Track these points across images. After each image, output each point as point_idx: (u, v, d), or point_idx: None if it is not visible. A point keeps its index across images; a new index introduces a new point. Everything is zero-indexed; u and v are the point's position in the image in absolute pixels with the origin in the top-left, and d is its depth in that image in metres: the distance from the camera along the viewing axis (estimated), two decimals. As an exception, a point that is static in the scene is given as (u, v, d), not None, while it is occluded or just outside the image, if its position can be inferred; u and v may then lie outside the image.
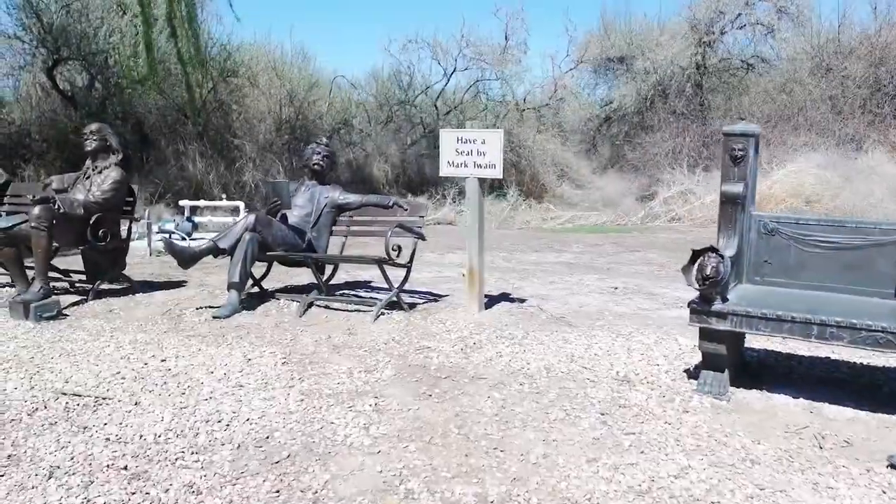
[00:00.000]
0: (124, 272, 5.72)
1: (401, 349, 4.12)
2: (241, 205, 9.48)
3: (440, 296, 5.57)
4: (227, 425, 3.05)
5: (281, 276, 6.01)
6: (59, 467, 2.65)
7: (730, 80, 20.06)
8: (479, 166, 4.75)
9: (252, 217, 5.00)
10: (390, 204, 5.26)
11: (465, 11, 34.41)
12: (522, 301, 5.36)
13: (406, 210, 5.20)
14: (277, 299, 5.32)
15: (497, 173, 4.72)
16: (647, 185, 16.90)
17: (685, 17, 19.73)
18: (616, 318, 4.86)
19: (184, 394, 3.41)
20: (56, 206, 5.02)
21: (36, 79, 23.96)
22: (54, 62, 20.75)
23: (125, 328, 4.67)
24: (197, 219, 9.40)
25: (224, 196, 10.62)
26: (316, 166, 5.45)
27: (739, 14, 20.11)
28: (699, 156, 17.30)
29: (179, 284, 6.18)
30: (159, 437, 2.92)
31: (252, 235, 4.95)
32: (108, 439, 2.90)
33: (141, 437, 2.92)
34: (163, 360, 3.91)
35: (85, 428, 3.01)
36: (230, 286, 4.94)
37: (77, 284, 5.79)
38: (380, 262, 4.73)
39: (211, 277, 6.40)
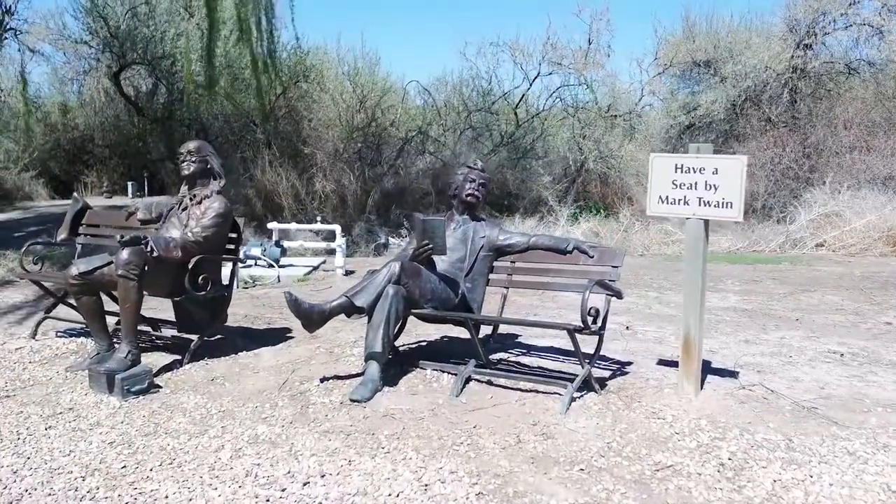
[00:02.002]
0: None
1: (631, 468, 2.92)
2: (338, 228, 8.40)
3: (622, 363, 4.35)
4: None
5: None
6: None
7: (831, 86, 18.42)
8: (708, 204, 3.53)
9: (397, 266, 3.84)
10: (569, 248, 4.05)
11: (550, 12, 32.86)
12: (735, 375, 4.11)
13: (592, 257, 3.99)
14: (423, 369, 4.16)
15: (736, 215, 3.49)
16: (748, 200, 15.46)
17: (782, 17, 18.18)
18: (889, 410, 3.58)
19: (357, 561, 2.26)
20: (149, 249, 3.95)
21: (100, 83, 23.56)
22: (120, 67, 20.19)
23: (237, 413, 3.56)
24: (286, 243, 8.35)
25: (319, 219, 9.56)
26: (470, 198, 4.27)
27: (843, 14, 18.46)
28: (800, 168, 15.79)
29: (285, 334, 5.09)
30: None
31: (397, 289, 3.80)
32: None
33: None
34: (305, 484, 2.78)
35: None
36: (369, 357, 3.79)
37: (167, 338, 4.75)
38: (573, 332, 3.52)
39: (323, 328, 5.29)
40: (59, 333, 5.15)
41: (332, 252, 8.55)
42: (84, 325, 5.05)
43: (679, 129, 19.44)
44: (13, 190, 21.52)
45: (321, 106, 17.80)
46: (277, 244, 8.01)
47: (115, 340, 4.32)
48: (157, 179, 22.17)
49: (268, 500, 2.65)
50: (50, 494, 2.72)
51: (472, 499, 2.66)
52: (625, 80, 19.75)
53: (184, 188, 4.54)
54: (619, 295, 3.85)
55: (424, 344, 4.83)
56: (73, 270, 4.15)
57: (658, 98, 18.87)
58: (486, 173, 4.41)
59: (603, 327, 3.77)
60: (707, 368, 4.17)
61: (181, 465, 2.97)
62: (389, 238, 11.45)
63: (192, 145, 4.48)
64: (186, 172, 4.42)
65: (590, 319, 3.55)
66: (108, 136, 23.95)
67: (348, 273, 7.89)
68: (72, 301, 5.04)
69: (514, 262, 4.25)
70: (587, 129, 16.74)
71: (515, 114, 17.32)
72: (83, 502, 2.66)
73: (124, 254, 3.86)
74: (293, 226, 9.30)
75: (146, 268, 3.91)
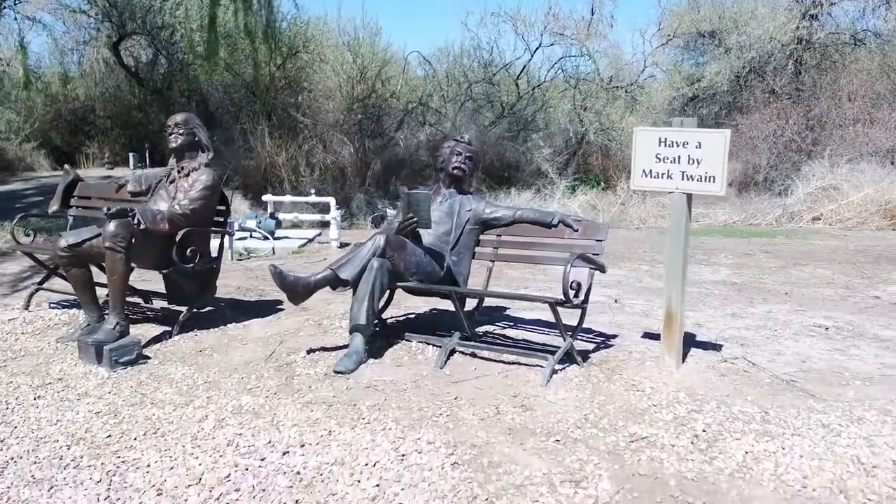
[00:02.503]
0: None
1: (606, 440, 2.96)
2: (333, 201, 8.40)
3: (607, 335, 4.39)
4: None
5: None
6: None
7: (836, 58, 18.22)
8: (691, 178, 3.53)
9: (382, 239, 3.87)
10: (554, 222, 4.06)
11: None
12: (718, 348, 4.14)
13: (576, 231, 4.00)
14: (408, 341, 4.20)
15: (717, 189, 3.49)
16: (742, 172, 15.35)
17: (788, -14, 17.93)
18: (867, 383, 3.61)
19: (330, 529, 2.32)
20: (136, 221, 3.97)
21: (100, 54, 23.43)
22: (119, 37, 20.06)
23: (223, 384, 3.61)
24: (281, 215, 8.36)
25: (313, 192, 9.56)
26: (456, 171, 4.28)
27: (850, -17, 18.20)
28: (802, 140, 15.70)
29: (276, 306, 5.14)
30: None
31: (381, 262, 3.83)
32: None
33: None
34: (285, 453, 2.83)
35: None
36: (354, 329, 3.83)
37: (157, 310, 4.80)
38: (554, 305, 3.55)
39: (314, 297, 5.33)
40: (51, 305, 5.20)
41: (326, 224, 8.57)
42: (76, 297, 5.11)
43: (682, 101, 19.27)
44: (14, 161, 21.51)
45: (321, 77, 17.69)
46: (272, 216, 8.03)
47: (105, 312, 4.36)
48: (157, 150, 22.12)
49: (247, 469, 2.70)
50: (35, 462, 2.78)
51: (448, 469, 2.71)
52: (627, 52, 19.57)
53: (171, 160, 4.55)
54: (602, 268, 3.86)
55: (412, 317, 4.87)
56: (62, 242, 4.19)
57: (661, 69, 18.70)
58: (474, 146, 4.40)
59: (586, 300, 3.80)
60: (691, 342, 4.21)
61: (164, 435, 3.02)
62: (387, 210, 11.43)
63: (179, 118, 4.47)
64: (174, 145, 4.43)
65: (572, 293, 3.57)
66: (108, 106, 23.83)
67: (343, 245, 7.92)
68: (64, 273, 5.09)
69: (500, 236, 4.27)
70: (588, 100, 16.63)
71: (517, 85, 17.19)
72: (67, 470, 2.71)
73: (111, 226, 3.89)
74: (288, 198, 9.31)
75: (133, 240, 3.94)
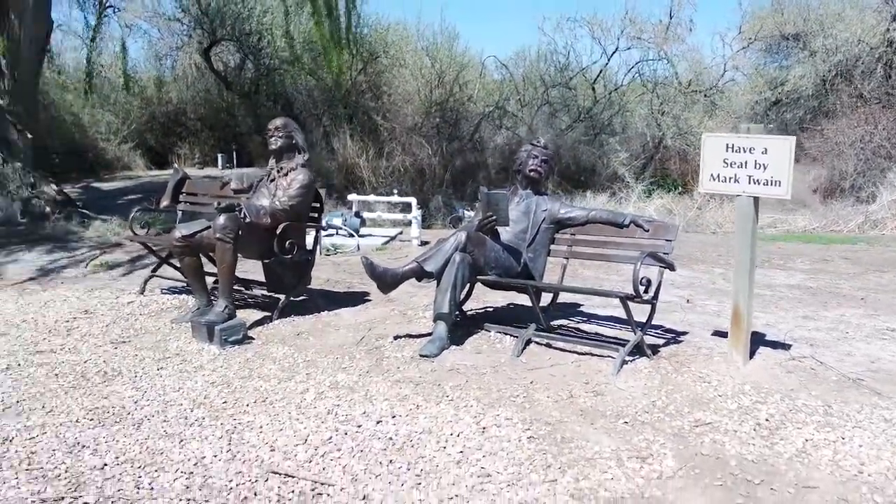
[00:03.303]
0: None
1: (672, 423, 3.19)
2: (414, 201, 8.80)
3: (678, 332, 4.59)
4: (493, 550, 2.24)
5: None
6: None
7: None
8: (757, 182, 3.72)
9: (463, 235, 4.19)
10: (626, 222, 4.30)
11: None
12: (787, 347, 4.28)
13: (647, 230, 4.23)
14: (487, 331, 4.51)
15: (783, 192, 3.67)
16: (827, 178, 15.01)
17: (878, -13, 17.40)
18: (933, 383, 3.71)
19: (419, 484, 2.64)
20: (242, 215, 4.41)
21: (192, 59, 24.63)
22: (210, 43, 21.09)
23: (320, 363, 4.00)
24: (365, 214, 8.80)
25: (396, 192, 9.99)
26: (533, 173, 4.57)
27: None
28: (893, 146, 15.24)
29: (363, 298, 5.53)
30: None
31: (463, 256, 4.15)
32: (345, 566, 2.15)
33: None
34: (378, 422, 3.18)
35: (311, 540, 2.29)
36: (437, 317, 4.16)
37: (258, 297, 5.25)
38: (625, 300, 3.80)
39: (397, 290, 5.70)
40: (162, 290, 5.73)
41: (408, 223, 8.97)
42: (185, 284, 5.63)
43: (765, 106, 18.94)
44: (113, 160, 22.81)
45: (400, 81, 18.19)
46: (357, 215, 8.47)
47: (212, 297, 4.83)
48: (245, 152, 23.13)
49: (346, 433, 3.06)
50: (164, 421, 3.20)
51: (524, 441, 3.00)
52: (707, 55, 19.34)
53: (272, 161, 4.98)
54: (671, 266, 4.08)
55: (491, 310, 5.17)
56: (177, 234, 4.67)
57: (742, 73, 18.46)
58: (550, 150, 4.67)
59: (655, 297, 4.02)
60: (760, 340, 4.37)
61: (272, 403, 3.41)
62: (465, 211, 11.79)
63: (278, 122, 4.91)
64: (274, 147, 4.86)
65: (641, 288, 3.81)
66: (199, 109, 25.00)
67: (423, 243, 8.28)
68: (174, 262, 5.62)
69: (573, 235, 4.52)
70: (666, 104, 16.59)
71: (593, 89, 17.30)
72: (192, 427, 3.12)
73: (221, 219, 4.34)
74: (372, 197, 9.74)
75: (240, 232, 4.38)
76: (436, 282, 4.23)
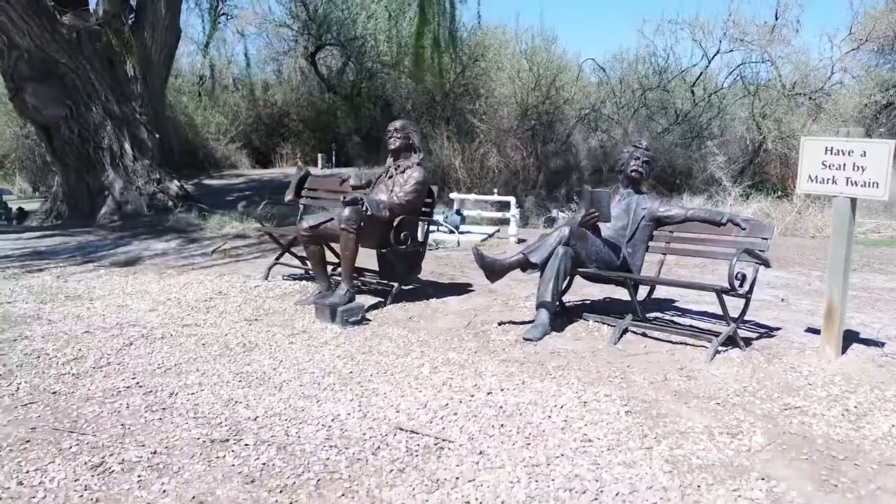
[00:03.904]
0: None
1: (762, 406, 3.42)
2: (513, 200, 9.15)
3: (770, 328, 4.75)
4: (596, 499, 2.56)
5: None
6: (426, 539, 2.31)
7: None
8: (855, 183, 3.88)
9: (566, 230, 4.51)
10: (724, 221, 4.52)
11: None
12: (881, 345, 4.40)
13: (744, 229, 4.43)
14: (585, 320, 4.82)
15: (881, 194, 3.82)
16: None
17: None
18: None
19: (528, 445, 2.99)
20: (364, 208, 4.88)
21: (297, 63, 25.78)
22: (316, 48, 22.07)
23: (432, 343, 4.40)
24: (465, 212, 9.21)
25: (496, 191, 10.38)
26: (634, 173, 4.84)
27: None
28: None
29: (466, 288, 5.92)
30: (524, 508, 2.50)
31: (566, 250, 4.47)
32: (467, 503, 2.52)
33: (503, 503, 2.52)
34: (489, 393, 3.54)
35: (437, 482, 2.67)
36: (540, 305, 4.50)
37: (371, 284, 5.71)
38: (721, 293, 4.03)
39: (498, 282, 6.06)
40: (283, 277, 6.29)
41: (505, 222, 9.32)
42: (304, 271, 6.18)
43: (875, 109, 18.29)
44: (222, 159, 24.15)
45: (497, 84, 18.54)
46: (457, 212, 8.87)
47: (332, 283, 5.32)
48: (343, 152, 24.06)
49: (460, 401, 3.44)
50: (301, 385, 3.67)
51: (622, 414, 3.30)
52: (813, 57, 18.80)
53: (389, 159, 5.44)
54: (766, 263, 4.27)
55: (588, 302, 5.46)
56: (304, 224, 5.18)
57: (851, 75, 17.87)
58: (651, 152, 4.92)
59: (750, 291, 4.22)
60: (853, 338, 4.49)
61: (393, 374, 3.83)
62: (559, 213, 12.01)
63: (398, 124, 5.36)
64: (393, 147, 5.31)
65: (737, 283, 4.03)
66: (301, 111, 26.13)
67: (520, 241, 8.62)
68: (295, 251, 6.17)
69: (672, 232, 4.77)
70: (767, 107, 16.28)
71: (692, 92, 17.15)
72: (325, 392, 3.57)
73: (346, 211, 4.81)
74: (473, 196, 10.14)
75: (362, 223, 4.84)
76: (539, 273, 4.56)
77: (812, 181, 4.03)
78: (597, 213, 4.57)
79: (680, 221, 4.72)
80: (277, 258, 6.29)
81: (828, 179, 3.96)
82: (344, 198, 4.92)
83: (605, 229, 4.73)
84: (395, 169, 5.31)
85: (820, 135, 15.69)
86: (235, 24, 26.49)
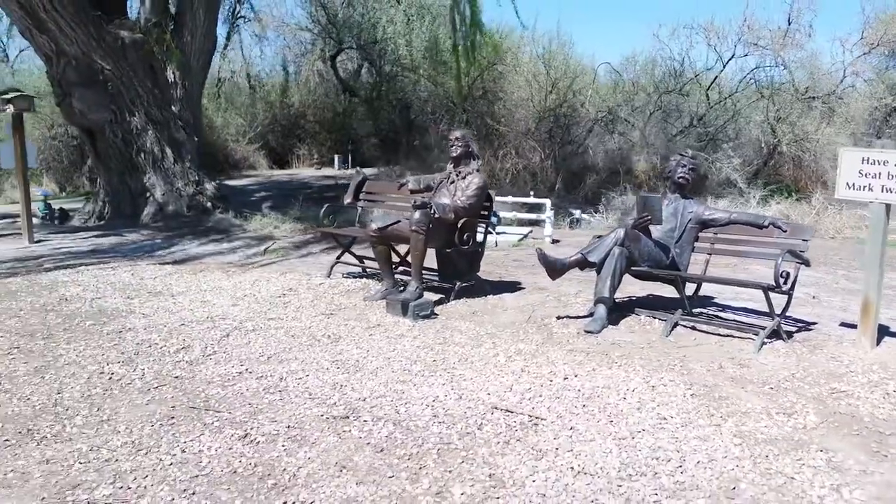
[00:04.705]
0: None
1: (811, 390, 3.84)
2: (548, 202, 9.57)
3: (808, 322, 5.17)
4: (680, 466, 2.98)
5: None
6: (544, 495, 2.73)
7: None
8: (889, 191, 4.29)
9: (622, 231, 4.94)
10: (765, 223, 4.94)
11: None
12: (911, 337, 4.81)
13: (785, 231, 4.85)
14: (637, 315, 5.25)
15: (914, 200, 4.23)
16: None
17: None
18: None
19: (612, 422, 3.41)
20: (432, 211, 5.30)
21: (314, 66, 26.24)
22: (336, 51, 22.52)
23: (500, 335, 4.82)
24: (501, 213, 9.63)
25: (532, 193, 10.81)
26: (681, 179, 5.27)
27: None
28: None
29: (516, 286, 6.34)
30: (621, 472, 2.92)
31: (621, 250, 4.90)
32: (572, 468, 2.95)
33: (603, 470, 2.94)
34: (565, 378, 3.97)
35: (541, 451, 3.09)
36: (599, 300, 4.93)
37: (429, 282, 6.13)
38: (766, 290, 4.45)
39: (544, 280, 6.48)
40: (344, 275, 6.72)
41: (535, 223, 9.75)
42: (362, 269, 6.61)
43: (885, 112, 18.68)
44: (241, 160, 24.62)
45: (515, 87, 18.96)
46: (494, 214, 9.28)
47: (397, 280, 5.74)
48: (359, 153, 24.52)
49: (541, 385, 3.86)
50: (393, 371, 4.09)
51: (688, 397, 3.73)
52: (826, 61, 19.15)
53: (449, 166, 5.86)
54: (807, 263, 4.70)
55: (633, 298, 5.87)
56: (373, 226, 5.61)
57: (862, 79, 18.26)
58: (696, 160, 5.34)
59: (792, 289, 4.64)
60: (885, 331, 4.91)
61: (473, 362, 4.26)
62: (582, 214, 12.45)
63: (458, 133, 5.79)
64: (454, 154, 5.73)
65: (781, 280, 4.45)
66: (318, 113, 26.58)
67: (554, 242, 9.05)
68: (353, 251, 6.60)
69: (716, 234, 5.19)
70: (782, 111, 16.69)
71: (707, 96, 17.55)
72: (417, 377, 4.00)
73: (417, 214, 5.24)
74: (510, 198, 10.55)
75: (430, 225, 5.26)
76: (596, 271, 4.99)
77: (850, 188, 4.44)
78: (649, 217, 4.99)
79: (724, 224, 5.14)
80: (338, 257, 6.72)
81: (864, 187, 4.38)
82: (415, 202, 5.34)
83: (655, 231, 5.15)
84: (457, 175, 5.73)
85: (835, 137, 16.11)
86: (253, 26, 26.95)
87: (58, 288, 6.11)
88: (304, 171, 23.87)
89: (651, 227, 5.13)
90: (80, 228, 10.85)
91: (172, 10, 12.22)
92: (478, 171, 5.69)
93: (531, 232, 9.67)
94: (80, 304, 5.54)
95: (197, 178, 12.16)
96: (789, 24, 17.20)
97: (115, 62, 11.15)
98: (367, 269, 6.71)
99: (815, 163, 16.18)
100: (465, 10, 18.20)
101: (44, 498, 2.68)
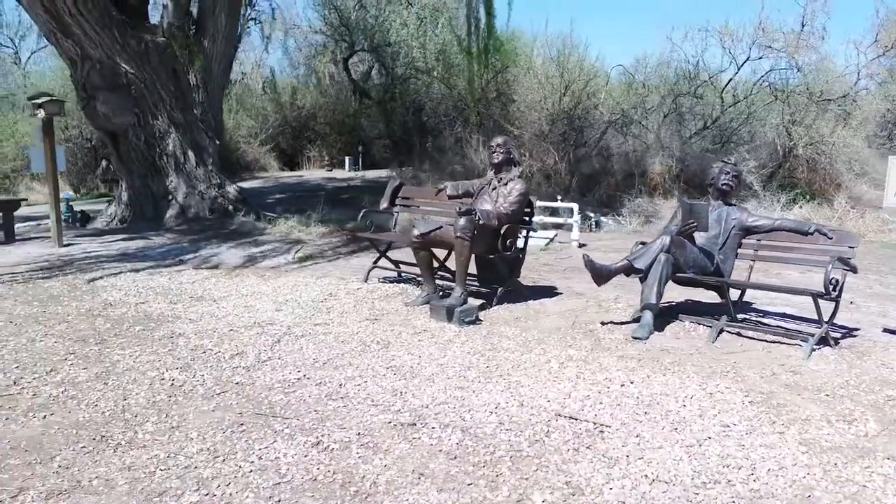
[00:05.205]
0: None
1: (867, 397, 3.88)
2: (576, 206, 9.61)
3: (849, 329, 5.21)
4: (752, 474, 3.02)
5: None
6: (623, 503, 2.77)
7: None
8: (940, 199, 4.33)
9: (667, 238, 4.98)
10: (811, 231, 4.97)
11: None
12: (956, 344, 4.85)
13: (831, 238, 4.89)
14: (681, 321, 5.28)
15: (965, 208, 4.27)
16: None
17: None
18: None
19: (676, 429, 3.45)
20: (477, 218, 5.34)
21: (326, 68, 26.31)
22: (349, 54, 22.59)
23: (548, 341, 4.86)
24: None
25: (560, 198, 10.84)
26: (724, 186, 5.31)
27: None
28: None
29: (552, 290, 6.37)
30: (695, 480, 2.96)
31: (667, 257, 4.93)
32: (646, 476, 2.98)
33: (677, 477, 2.98)
34: (622, 385, 4.01)
35: (612, 459, 3.13)
36: (645, 307, 4.96)
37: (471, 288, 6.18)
38: (816, 297, 4.49)
39: (578, 285, 6.53)
40: (380, 279, 6.76)
41: (559, 226, 9.79)
42: (397, 273, 6.65)
43: (897, 113, 18.72)
44: (252, 162, 24.71)
45: (528, 89, 19.01)
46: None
47: (437, 286, 5.79)
48: (369, 155, 24.59)
49: (599, 392, 3.90)
50: (448, 378, 4.13)
51: (746, 404, 3.76)
52: (840, 64, 19.17)
53: (490, 172, 5.90)
54: (854, 269, 4.73)
55: (673, 304, 5.91)
56: (415, 232, 5.65)
57: (875, 81, 18.30)
58: (739, 168, 5.38)
59: (839, 295, 4.68)
60: (929, 337, 4.94)
61: (526, 369, 4.30)
62: (601, 218, 12.50)
63: (500, 140, 5.83)
64: (496, 161, 5.77)
65: (830, 287, 4.49)
66: (328, 114, 26.64)
67: (581, 245, 9.09)
68: (390, 255, 6.64)
69: (759, 240, 5.22)
70: (797, 113, 16.71)
71: (721, 98, 17.57)
72: (473, 383, 4.04)
73: (462, 221, 5.28)
74: (539, 203, 10.59)
75: (475, 232, 5.30)
76: (642, 277, 5.03)
77: (899, 196, 4.48)
78: (695, 224, 5.03)
79: (768, 231, 5.17)
80: (375, 262, 6.76)
81: (914, 195, 4.42)
82: (460, 208, 5.38)
83: (699, 238, 5.19)
84: (498, 181, 5.77)
85: (851, 140, 16.15)
86: (263, 28, 27.01)
87: (99, 292, 6.17)
88: (314, 173, 23.95)
89: (694, 234, 5.17)
90: (105, 231, 10.90)
91: (194, 13, 12.28)
92: (519, 177, 5.73)
93: (556, 235, 9.71)
94: (125, 309, 5.59)
95: (219, 180, 12.22)
96: (803, 26, 17.22)
97: (138, 66, 11.20)
98: (403, 274, 6.75)
99: (831, 165, 16.21)
100: (480, 13, 18.31)
101: (133, 505, 2.73)
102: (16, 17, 27.30)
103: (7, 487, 2.84)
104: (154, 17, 12.72)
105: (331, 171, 24.44)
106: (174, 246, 9.13)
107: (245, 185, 19.21)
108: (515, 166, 5.80)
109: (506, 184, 5.72)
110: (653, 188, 16.84)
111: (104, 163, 19.38)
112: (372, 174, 20.81)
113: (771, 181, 16.13)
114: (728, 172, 5.31)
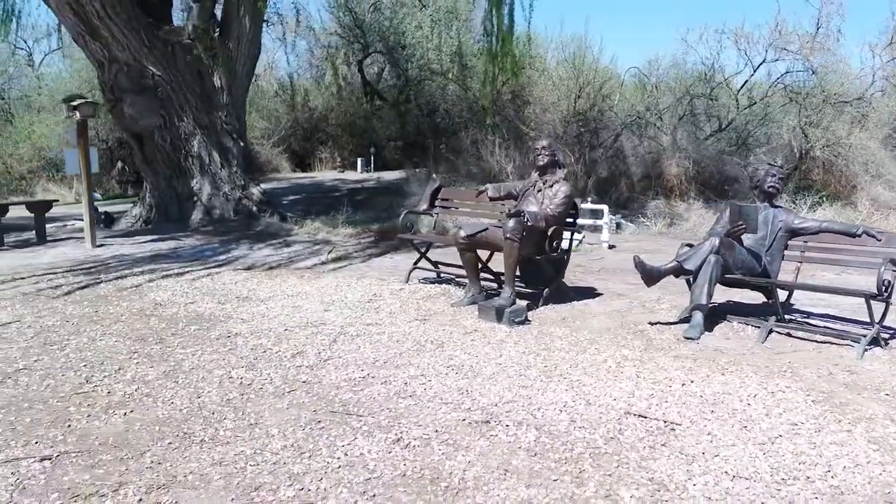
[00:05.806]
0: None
1: (927, 397, 3.94)
2: (606, 208, 9.68)
3: (894, 329, 5.27)
4: (829, 471, 3.08)
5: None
6: (709, 498, 2.84)
7: None
8: None
9: (717, 240, 5.04)
10: (859, 233, 5.03)
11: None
12: None
13: (879, 240, 4.95)
14: (729, 321, 5.35)
15: None
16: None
17: None
18: None
19: (745, 427, 3.51)
20: (525, 219, 5.41)
21: (338, 70, 26.41)
22: (364, 55, 22.67)
23: (600, 341, 4.93)
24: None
25: (590, 199, 10.92)
26: (771, 189, 5.38)
27: None
28: None
29: (593, 291, 6.44)
30: (774, 476, 3.02)
31: (717, 258, 5.00)
32: (726, 473, 3.05)
33: (756, 474, 3.04)
34: (683, 384, 4.07)
35: (689, 455, 3.20)
36: (695, 307, 5.03)
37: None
38: (868, 298, 4.55)
39: (618, 286, 6.60)
40: (420, 280, 6.83)
41: (593, 229, 9.88)
42: (436, 274, 6.72)
43: (912, 116, 18.73)
44: (265, 163, 24.82)
45: (543, 91, 19.08)
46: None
47: (483, 287, 5.86)
48: (381, 156, 24.69)
49: (662, 391, 3.96)
50: (509, 377, 4.19)
51: (809, 403, 3.82)
52: (855, 66, 19.24)
53: (534, 174, 5.97)
54: (906, 272, 4.79)
55: (716, 304, 5.96)
56: (462, 234, 5.72)
57: (890, 83, 18.33)
58: (784, 170, 5.44)
59: (891, 296, 4.74)
60: (975, 338, 5.00)
61: (585, 368, 4.36)
62: (622, 220, 12.57)
63: (545, 142, 5.90)
64: (541, 163, 5.84)
65: (883, 288, 4.55)
66: (340, 116, 26.74)
67: (611, 247, 9.16)
68: (429, 256, 6.71)
69: (806, 242, 5.29)
70: (813, 115, 16.77)
71: (737, 100, 17.63)
72: (536, 382, 4.10)
73: (511, 223, 5.35)
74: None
75: (524, 233, 5.37)
76: (691, 278, 5.09)
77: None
78: (744, 226, 5.10)
79: (814, 232, 5.24)
80: (416, 263, 6.83)
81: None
82: (509, 210, 5.45)
83: (746, 239, 5.25)
84: (543, 183, 5.84)
85: (867, 142, 16.20)
86: (275, 29, 27.09)
87: (145, 293, 6.24)
88: (326, 174, 24.06)
89: (742, 236, 5.23)
90: (132, 232, 10.98)
91: (218, 16, 12.36)
92: (564, 179, 5.80)
93: (584, 237, 9.78)
94: (175, 309, 5.67)
95: (243, 182, 12.30)
96: (818, 29, 17.28)
97: (165, 68, 11.30)
98: (442, 275, 6.82)
99: (847, 167, 16.26)
100: (494, 17, 18.38)
101: (233, 499, 2.79)
102: (31, 20, 27.46)
103: (105, 482, 2.91)
104: (177, 20, 12.83)
105: (342, 172, 24.55)
106: (206, 247, 9.21)
107: (260, 186, 19.30)
108: (560, 168, 5.87)
109: (551, 186, 5.78)
110: (669, 190, 16.90)
111: (120, 164, 19.48)
112: (386, 175, 20.86)
113: (786, 183, 16.18)
114: (774, 175, 5.38)
